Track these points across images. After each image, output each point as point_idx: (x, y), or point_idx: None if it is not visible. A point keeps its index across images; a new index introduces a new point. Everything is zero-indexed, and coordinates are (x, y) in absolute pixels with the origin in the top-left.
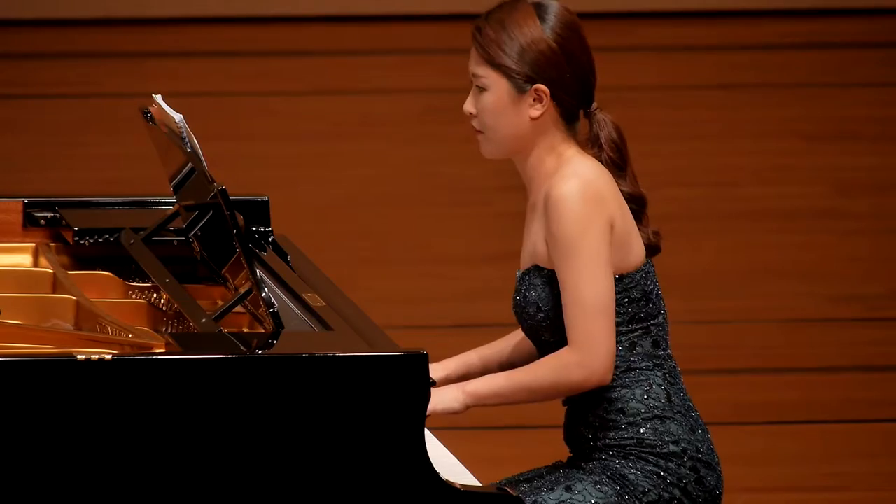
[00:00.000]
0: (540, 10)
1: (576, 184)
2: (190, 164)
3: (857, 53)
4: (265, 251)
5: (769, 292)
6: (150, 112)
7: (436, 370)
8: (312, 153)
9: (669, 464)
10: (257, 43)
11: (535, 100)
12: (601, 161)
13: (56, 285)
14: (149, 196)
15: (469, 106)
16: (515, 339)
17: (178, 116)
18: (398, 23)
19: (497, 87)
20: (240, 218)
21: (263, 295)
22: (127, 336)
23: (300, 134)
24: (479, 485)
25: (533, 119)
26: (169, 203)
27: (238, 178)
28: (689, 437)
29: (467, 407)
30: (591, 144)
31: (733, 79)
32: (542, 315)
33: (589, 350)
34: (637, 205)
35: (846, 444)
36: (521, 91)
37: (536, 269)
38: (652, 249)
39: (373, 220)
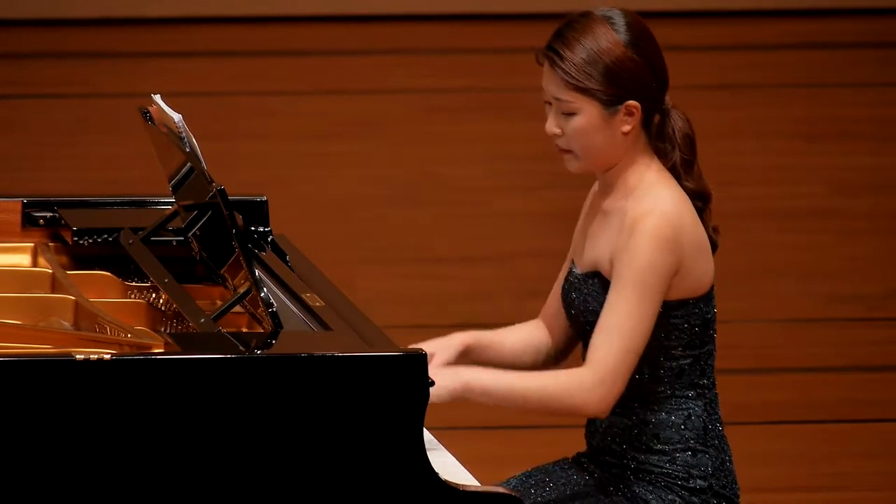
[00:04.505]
0: (613, 23)
1: (656, 222)
2: (189, 163)
3: (857, 53)
4: (264, 251)
5: (768, 292)
6: (148, 112)
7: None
8: (312, 153)
9: (694, 498)
10: (257, 43)
11: (626, 115)
12: (673, 161)
13: (55, 285)
14: (148, 196)
15: (553, 127)
16: (518, 333)
17: (176, 116)
18: (398, 23)
19: (587, 110)
20: (238, 218)
21: (262, 295)
22: (126, 336)
23: (299, 134)
24: (479, 485)
25: (625, 134)
26: (168, 203)
27: (237, 177)
28: (718, 473)
29: (455, 398)
30: (662, 140)
31: (733, 79)
32: None
33: (608, 385)
34: (701, 202)
35: (846, 444)
36: (612, 110)
37: (601, 281)
38: (710, 245)
39: (372, 220)
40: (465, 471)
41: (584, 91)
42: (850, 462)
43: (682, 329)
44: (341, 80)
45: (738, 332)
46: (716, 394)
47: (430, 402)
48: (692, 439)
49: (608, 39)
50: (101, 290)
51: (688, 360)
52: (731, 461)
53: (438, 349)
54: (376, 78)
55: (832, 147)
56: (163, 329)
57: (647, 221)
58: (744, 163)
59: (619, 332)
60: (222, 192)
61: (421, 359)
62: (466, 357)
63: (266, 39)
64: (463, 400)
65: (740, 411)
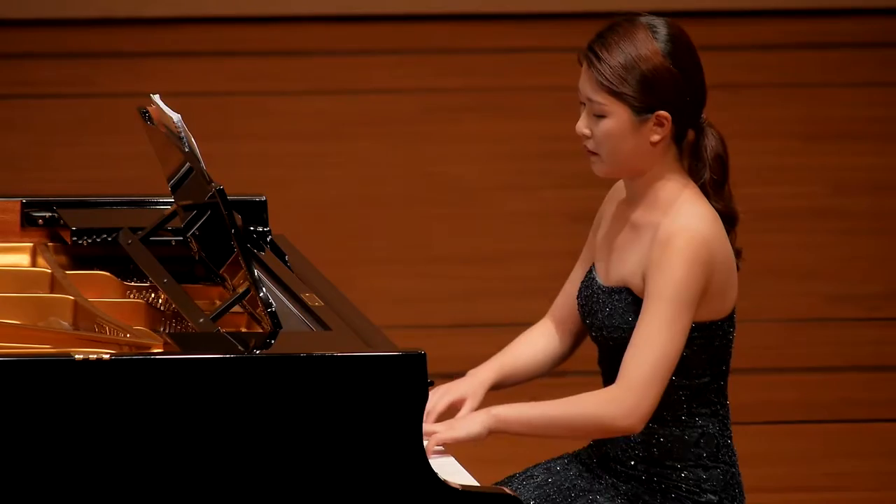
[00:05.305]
0: (655, 32)
1: (689, 238)
2: (188, 163)
3: (857, 53)
4: (263, 251)
5: (768, 292)
6: (148, 112)
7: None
8: (311, 153)
9: None
10: (256, 43)
11: (656, 124)
12: (703, 180)
13: (54, 285)
14: (147, 196)
15: (583, 128)
16: (531, 347)
17: (176, 116)
18: (398, 23)
19: (618, 114)
20: (238, 218)
21: (261, 295)
22: (125, 336)
23: (299, 134)
24: (478, 485)
25: (653, 144)
26: (167, 203)
27: (236, 177)
28: (728, 488)
29: (490, 431)
30: (695, 158)
31: (733, 79)
32: (629, 338)
33: (639, 395)
34: (729, 223)
35: (846, 444)
36: (642, 118)
37: (632, 298)
38: None
39: (372, 220)
40: (465, 471)
41: (616, 95)
42: (850, 462)
43: (703, 349)
44: (341, 80)
45: (739, 331)
46: (728, 408)
47: (465, 439)
48: (704, 456)
49: (648, 47)
50: (100, 289)
51: (706, 379)
52: (739, 474)
53: (468, 395)
54: (376, 78)
55: (832, 147)
56: (162, 329)
57: (680, 238)
58: (744, 163)
59: (648, 346)
60: (221, 192)
61: (419, 358)
62: (496, 390)
63: (266, 39)
64: (499, 432)
65: (740, 411)
